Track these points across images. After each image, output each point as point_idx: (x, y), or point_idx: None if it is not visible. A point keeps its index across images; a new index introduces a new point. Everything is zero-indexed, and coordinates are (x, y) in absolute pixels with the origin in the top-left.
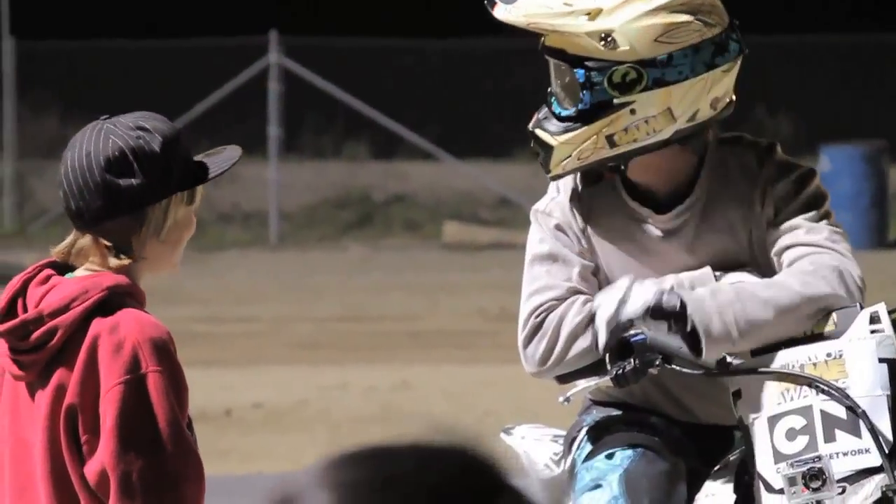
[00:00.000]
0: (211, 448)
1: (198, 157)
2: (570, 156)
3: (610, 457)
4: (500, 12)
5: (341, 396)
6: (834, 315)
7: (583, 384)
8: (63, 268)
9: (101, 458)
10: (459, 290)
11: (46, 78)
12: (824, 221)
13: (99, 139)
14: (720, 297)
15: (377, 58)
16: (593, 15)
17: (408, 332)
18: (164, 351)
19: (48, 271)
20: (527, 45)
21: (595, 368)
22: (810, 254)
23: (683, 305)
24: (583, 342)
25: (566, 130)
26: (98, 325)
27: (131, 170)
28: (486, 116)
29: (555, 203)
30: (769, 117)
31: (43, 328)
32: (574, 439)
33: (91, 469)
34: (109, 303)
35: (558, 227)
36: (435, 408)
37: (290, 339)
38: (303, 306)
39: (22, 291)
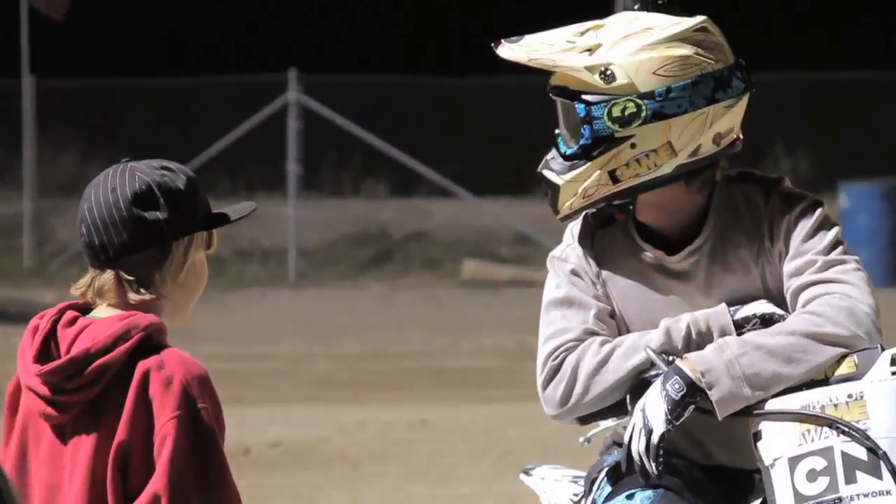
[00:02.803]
0: None
1: (215, 211)
2: (575, 194)
3: (630, 497)
4: (504, 51)
5: (360, 434)
6: (854, 356)
7: (603, 425)
8: (84, 308)
9: (154, 489)
10: (478, 328)
11: (66, 116)
12: (836, 252)
13: (125, 176)
14: (726, 353)
15: (396, 95)
16: (593, 50)
17: (427, 369)
18: (210, 388)
19: (72, 312)
20: (545, 82)
21: (615, 409)
22: (822, 294)
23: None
24: (602, 383)
25: (571, 168)
26: (144, 364)
27: (157, 203)
28: (505, 153)
29: (570, 249)
30: (787, 155)
31: (93, 366)
32: (594, 480)
33: (141, 502)
34: (149, 342)
35: (574, 273)
36: (453, 446)
37: (309, 377)
38: (322, 344)
39: (52, 333)
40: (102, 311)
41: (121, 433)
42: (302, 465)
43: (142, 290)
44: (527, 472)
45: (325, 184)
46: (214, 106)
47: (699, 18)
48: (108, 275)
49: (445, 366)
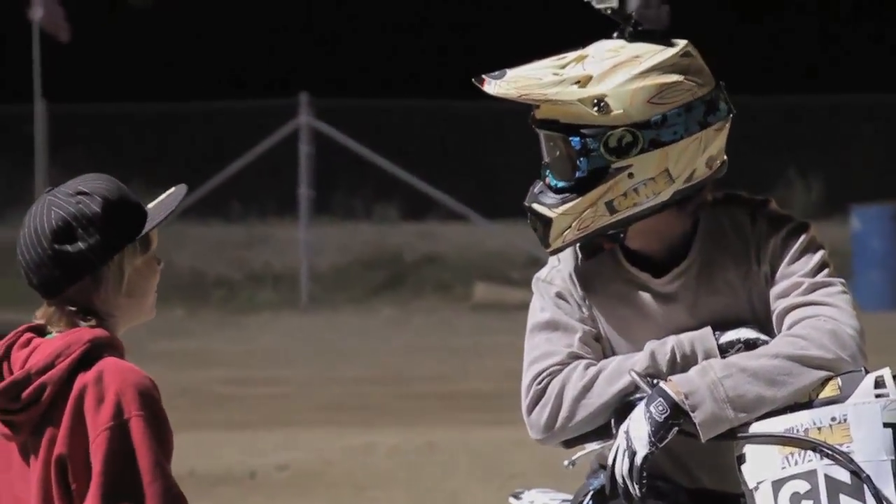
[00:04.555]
0: None
1: (150, 205)
2: (569, 227)
3: None
4: (491, 87)
5: (366, 458)
6: (838, 379)
7: (589, 448)
8: (43, 331)
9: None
10: (489, 352)
11: (77, 140)
12: (822, 274)
13: (43, 213)
14: (710, 375)
15: (407, 119)
16: (584, 82)
17: (436, 393)
18: (147, 396)
19: (28, 335)
20: None
21: (600, 432)
22: (807, 316)
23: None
24: (587, 407)
25: (564, 202)
26: (83, 378)
27: (76, 234)
28: (517, 177)
29: (555, 272)
30: (799, 178)
31: (32, 386)
32: (580, 503)
33: None
34: (92, 355)
35: (559, 295)
36: (460, 470)
37: (318, 401)
38: (332, 368)
39: (6, 356)
40: (56, 330)
41: (59, 447)
42: (308, 488)
43: (88, 318)
44: (516, 496)
45: (337, 207)
46: (226, 130)
47: (682, 43)
48: (54, 308)
49: (455, 389)
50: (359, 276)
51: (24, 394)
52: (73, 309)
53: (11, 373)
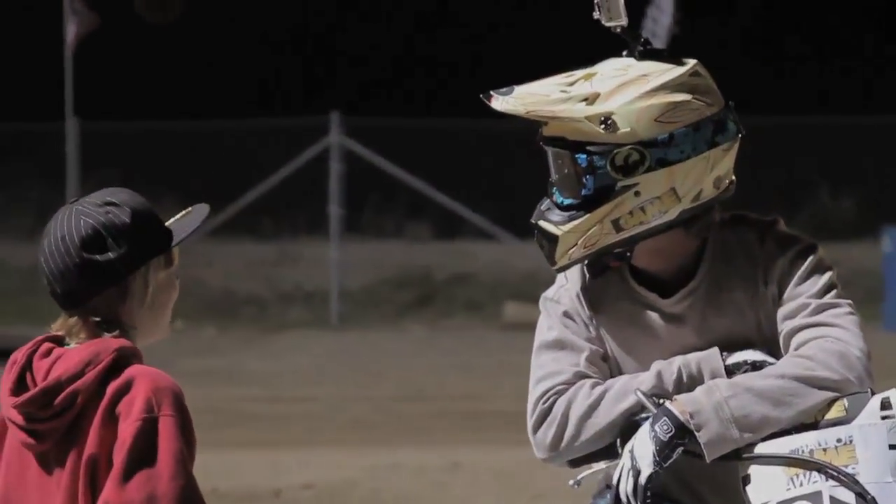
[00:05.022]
0: None
1: (169, 222)
2: (575, 244)
3: None
4: (498, 104)
5: (391, 477)
6: (844, 400)
7: (595, 467)
8: (61, 342)
9: (106, 494)
10: (517, 371)
11: (110, 158)
12: (829, 295)
13: (71, 222)
14: (715, 395)
15: (438, 138)
16: (591, 100)
17: (464, 412)
18: (177, 399)
19: (48, 344)
20: None
21: (606, 452)
22: (814, 337)
23: (678, 422)
24: (593, 427)
25: (570, 219)
26: (114, 385)
27: (106, 244)
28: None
29: (563, 290)
30: (831, 198)
31: (64, 393)
32: None
33: None
34: (119, 364)
35: (566, 315)
36: (485, 489)
37: (346, 419)
38: (360, 387)
39: (28, 365)
40: (75, 342)
41: (90, 447)
42: None
43: (110, 328)
44: None
45: (367, 226)
46: (257, 148)
47: (691, 62)
48: (76, 319)
49: (481, 408)
50: (389, 294)
51: (57, 401)
52: (96, 319)
53: (35, 382)
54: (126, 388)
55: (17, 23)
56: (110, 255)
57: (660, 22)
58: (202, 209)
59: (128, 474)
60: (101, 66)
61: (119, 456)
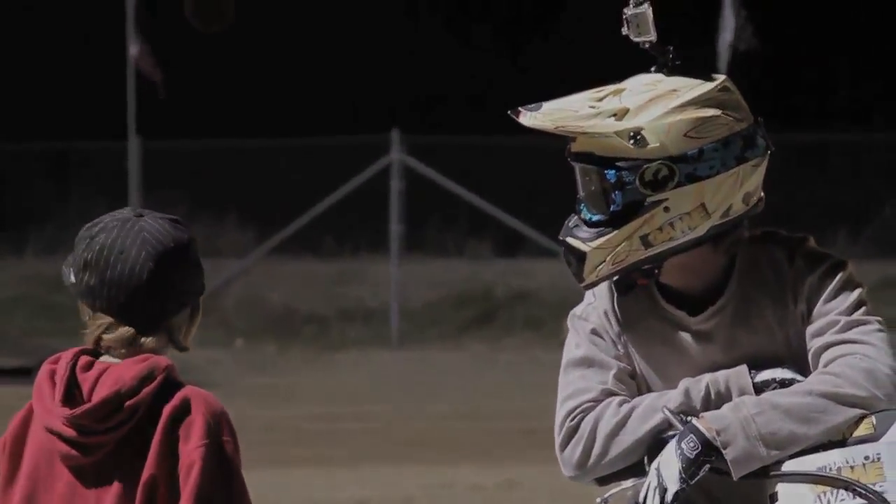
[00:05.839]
0: None
1: None
2: (604, 261)
3: None
4: (527, 119)
5: (446, 495)
6: (873, 418)
7: (623, 485)
8: (92, 352)
9: None
10: None
11: (172, 177)
12: (858, 312)
13: (159, 236)
14: (742, 412)
15: (498, 155)
16: (620, 115)
17: (521, 430)
18: (230, 424)
19: (87, 357)
20: None
21: (634, 469)
22: (843, 354)
23: (705, 439)
24: (620, 444)
25: (599, 235)
26: (171, 403)
27: (189, 262)
28: None
29: (591, 308)
30: None
31: (126, 407)
32: None
33: None
34: (169, 381)
35: (594, 332)
36: None
37: (402, 437)
38: (418, 405)
39: (73, 377)
40: (113, 356)
41: (149, 468)
42: None
43: (176, 347)
44: None
45: (428, 244)
46: (318, 166)
47: (720, 78)
48: (151, 337)
49: (538, 426)
50: (449, 312)
51: (116, 415)
52: (168, 339)
53: (82, 395)
54: (185, 410)
55: (80, 40)
56: (195, 274)
57: (722, 39)
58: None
59: (203, 497)
60: (164, 85)
61: (190, 480)
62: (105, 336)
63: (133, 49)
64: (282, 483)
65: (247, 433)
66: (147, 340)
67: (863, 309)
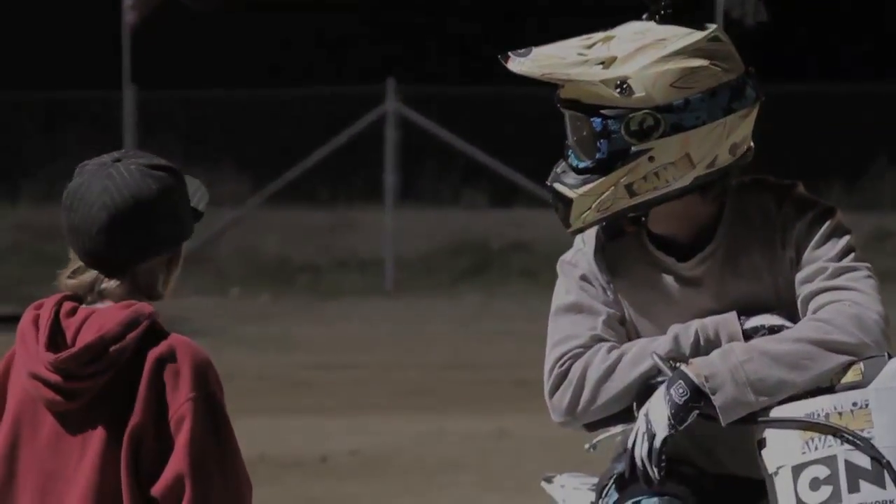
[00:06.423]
0: (303, 495)
1: None
2: (590, 208)
3: None
4: (515, 65)
5: (437, 444)
6: (861, 364)
7: (612, 430)
8: (76, 298)
9: (176, 469)
10: None
11: (166, 127)
12: (847, 259)
13: (137, 180)
14: (731, 358)
15: (494, 105)
16: (608, 63)
17: (512, 380)
18: (216, 373)
19: (71, 303)
20: None
21: (623, 416)
22: (831, 301)
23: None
24: (609, 390)
25: (585, 182)
26: (155, 350)
27: (174, 209)
28: None
29: (580, 254)
30: (890, 167)
31: (110, 353)
32: (604, 487)
33: (162, 484)
34: (153, 329)
35: (584, 278)
36: (530, 456)
37: (394, 386)
38: (412, 354)
39: (57, 323)
40: (98, 302)
41: (135, 417)
42: (377, 473)
43: (140, 297)
44: (548, 480)
45: (423, 194)
46: (313, 116)
47: (711, 27)
48: (115, 282)
49: (530, 376)
50: (444, 262)
51: (103, 359)
52: (140, 284)
53: (65, 340)
54: (171, 357)
55: None
56: (174, 220)
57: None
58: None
59: (195, 456)
60: (159, 35)
61: (182, 434)
62: (68, 281)
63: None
64: (274, 432)
65: (240, 382)
66: (109, 286)
67: (852, 255)
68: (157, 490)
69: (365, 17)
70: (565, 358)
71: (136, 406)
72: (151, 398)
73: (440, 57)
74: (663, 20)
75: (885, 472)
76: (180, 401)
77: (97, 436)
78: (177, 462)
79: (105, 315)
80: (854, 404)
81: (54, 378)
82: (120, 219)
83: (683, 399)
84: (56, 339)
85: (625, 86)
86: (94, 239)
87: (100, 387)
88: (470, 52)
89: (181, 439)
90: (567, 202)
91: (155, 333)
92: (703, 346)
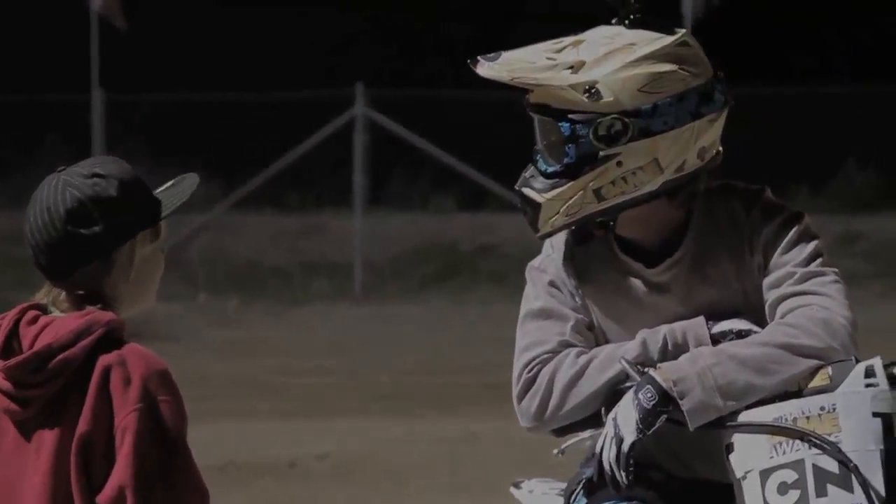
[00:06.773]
0: (272, 500)
1: (158, 191)
2: (558, 212)
3: None
4: (484, 69)
5: (408, 447)
6: (829, 368)
7: (580, 435)
8: (46, 310)
9: (119, 481)
10: None
11: (135, 130)
12: (815, 264)
13: (56, 193)
14: (699, 363)
15: (463, 110)
16: (577, 67)
17: (483, 384)
18: (171, 383)
19: (34, 312)
20: None
21: (591, 421)
22: (799, 305)
23: (661, 389)
24: (577, 395)
25: (553, 187)
26: (106, 359)
27: (91, 217)
28: None
29: (549, 260)
30: (859, 171)
31: (56, 360)
32: (573, 492)
33: (105, 495)
34: (110, 337)
35: (552, 284)
36: (500, 459)
37: (364, 390)
38: (381, 359)
39: (15, 331)
40: (60, 311)
41: (83, 425)
42: (348, 478)
43: (93, 301)
44: (516, 486)
45: (392, 198)
46: (282, 120)
47: (680, 32)
48: (58, 290)
49: (500, 380)
50: (413, 266)
51: (50, 366)
52: (80, 293)
53: (21, 348)
54: (118, 366)
55: None
56: (95, 228)
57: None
58: (192, 179)
59: (138, 465)
60: (128, 37)
61: (125, 446)
62: (41, 291)
63: (95, 1)
64: (242, 438)
65: (210, 387)
66: (55, 294)
67: (819, 260)
68: (100, 500)
69: (335, 20)
70: (534, 363)
71: (84, 415)
72: (100, 408)
73: (409, 60)
74: (633, 24)
75: (853, 475)
76: (126, 411)
77: (49, 444)
78: (119, 473)
79: (61, 323)
80: (822, 408)
81: (6, 385)
82: (37, 228)
83: (652, 403)
84: (12, 347)
85: (593, 90)
86: (32, 249)
87: (52, 395)
88: (439, 56)
89: (124, 450)
90: (535, 206)
91: (111, 342)
92: (672, 351)
